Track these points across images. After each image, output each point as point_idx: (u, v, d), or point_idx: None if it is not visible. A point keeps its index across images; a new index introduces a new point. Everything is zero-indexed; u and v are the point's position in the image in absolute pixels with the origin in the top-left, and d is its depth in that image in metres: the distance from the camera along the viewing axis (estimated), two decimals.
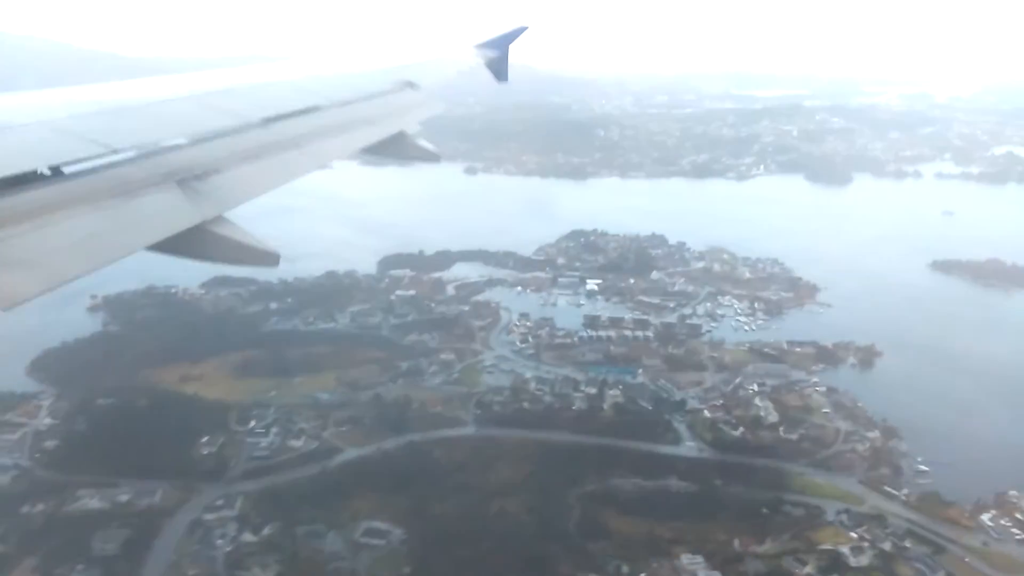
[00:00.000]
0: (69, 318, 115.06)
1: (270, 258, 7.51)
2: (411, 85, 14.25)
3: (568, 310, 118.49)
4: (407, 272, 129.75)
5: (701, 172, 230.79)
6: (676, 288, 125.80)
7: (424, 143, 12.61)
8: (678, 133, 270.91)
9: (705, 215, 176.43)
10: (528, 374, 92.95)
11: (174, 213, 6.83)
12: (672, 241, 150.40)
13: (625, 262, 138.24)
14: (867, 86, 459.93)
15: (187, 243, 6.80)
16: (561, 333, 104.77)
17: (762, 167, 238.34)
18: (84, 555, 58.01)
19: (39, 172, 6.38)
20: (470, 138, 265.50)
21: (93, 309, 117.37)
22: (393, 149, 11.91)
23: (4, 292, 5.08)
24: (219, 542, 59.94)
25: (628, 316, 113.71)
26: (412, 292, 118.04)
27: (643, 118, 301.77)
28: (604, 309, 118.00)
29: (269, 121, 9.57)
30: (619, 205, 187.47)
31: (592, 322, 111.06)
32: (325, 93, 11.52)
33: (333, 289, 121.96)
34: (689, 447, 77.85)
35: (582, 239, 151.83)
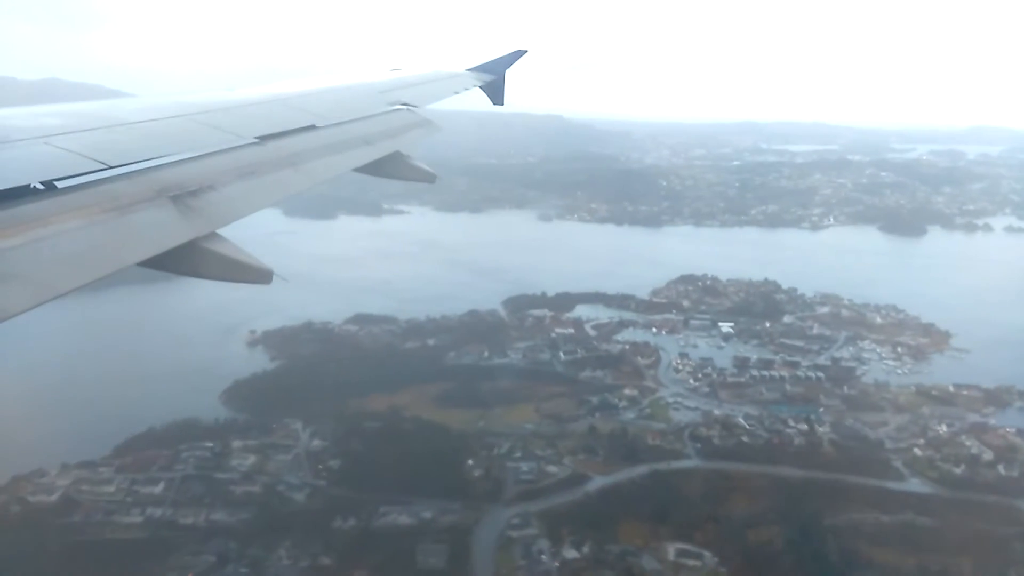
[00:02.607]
0: (234, 353, 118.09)
1: (263, 275, 7.34)
2: (407, 105, 14.20)
3: (710, 351, 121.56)
4: (546, 312, 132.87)
5: (773, 222, 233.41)
6: (814, 332, 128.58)
7: (421, 164, 12.39)
8: (737, 184, 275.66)
9: (796, 263, 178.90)
10: (716, 411, 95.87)
11: (167, 229, 6.79)
12: (784, 287, 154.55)
13: (752, 306, 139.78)
14: (894, 142, 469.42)
15: (180, 259, 6.76)
16: (730, 372, 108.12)
17: (831, 218, 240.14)
18: (411, 569, 60.79)
19: (32, 186, 6.35)
20: (534, 186, 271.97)
21: (252, 344, 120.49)
22: (390, 169, 11.87)
23: None
24: (543, 557, 62.48)
25: (777, 358, 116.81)
26: (571, 330, 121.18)
27: (696, 169, 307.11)
28: (749, 351, 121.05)
29: (264, 139, 9.59)
30: (706, 252, 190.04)
31: (743, 363, 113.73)
32: (320, 112, 11.53)
33: (482, 327, 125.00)
34: (914, 483, 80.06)
35: (698, 283, 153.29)
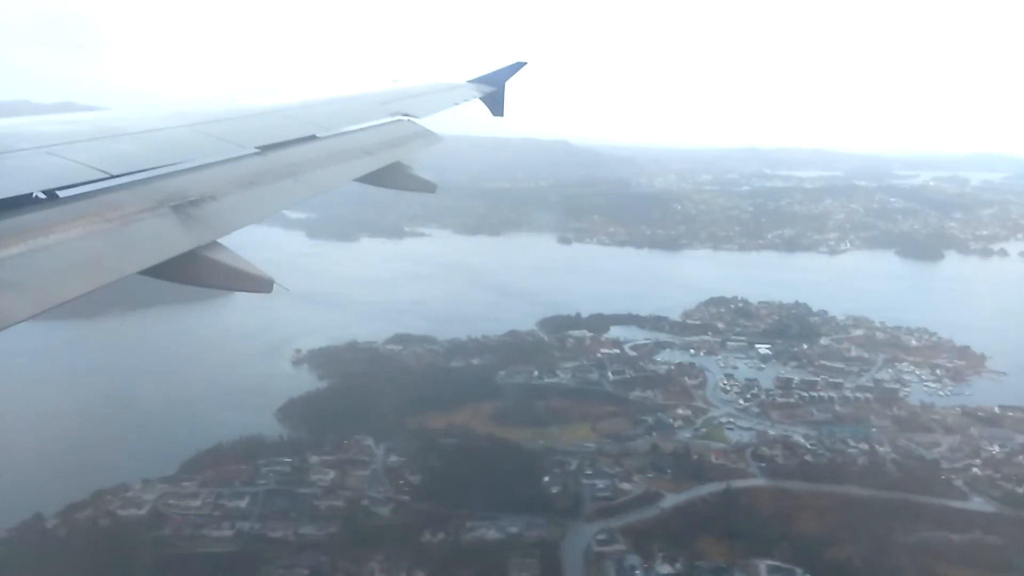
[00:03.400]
0: (281, 371, 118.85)
1: (264, 284, 7.34)
2: (407, 116, 14.19)
3: (751, 372, 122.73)
4: (585, 333, 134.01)
5: (791, 246, 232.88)
6: (852, 354, 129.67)
7: (421, 174, 12.34)
8: (751, 209, 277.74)
9: (821, 286, 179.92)
10: (770, 431, 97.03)
11: (168, 238, 6.80)
12: (814, 309, 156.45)
13: (788, 328, 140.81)
14: (896, 169, 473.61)
15: (181, 268, 6.75)
16: (778, 392, 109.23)
17: (848, 242, 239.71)
18: None
19: (34, 195, 6.36)
20: (550, 209, 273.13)
21: (298, 363, 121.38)
22: (390, 179, 11.86)
23: None
24: (637, 573, 63.30)
25: (820, 379, 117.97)
26: (616, 351, 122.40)
27: (707, 194, 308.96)
28: (789, 372, 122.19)
29: (265, 149, 9.60)
30: (728, 275, 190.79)
31: (786, 384, 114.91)
32: (321, 122, 11.52)
33: (524, 347, 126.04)
34: (977, 502, 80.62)
35: (729, 305, 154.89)
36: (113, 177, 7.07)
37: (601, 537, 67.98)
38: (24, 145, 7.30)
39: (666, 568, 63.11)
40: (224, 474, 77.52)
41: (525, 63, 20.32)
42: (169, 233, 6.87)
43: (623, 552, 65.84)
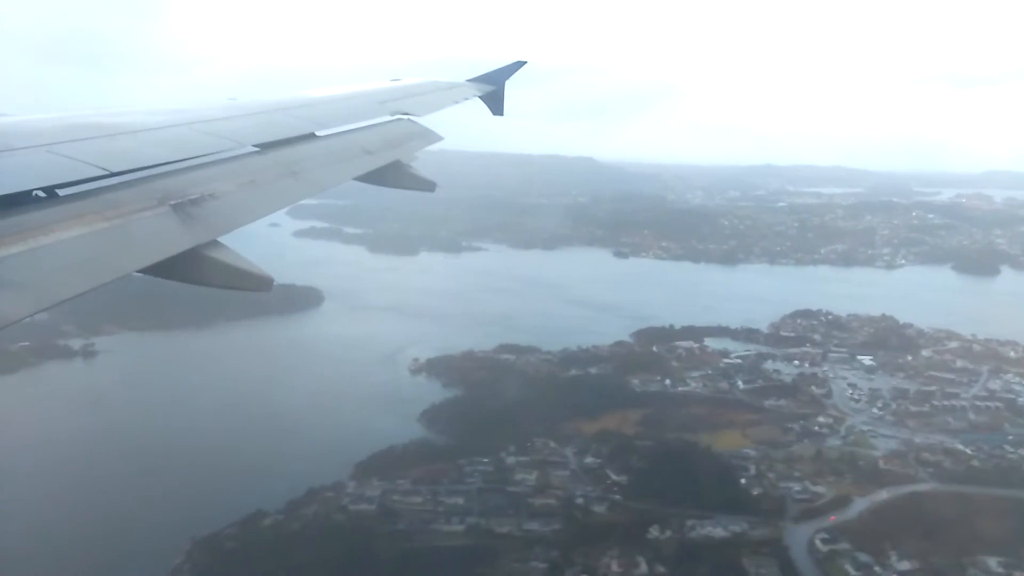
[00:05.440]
0: (402, 380, 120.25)
1: (264, 283, 7.32)
2: (406, 115, 14.15)
3: (860, 382, 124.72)
4: (692, 343, 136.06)
5: (847, 260, 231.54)
6: (958, 365, 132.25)
7: (421, 173, 12.35)
8: (796, 224, 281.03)
9: (890, 299, 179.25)
10: (915, 439, 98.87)
11: (168, 236, 6.76)
12: (900, 322, 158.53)
13: (886, 340, 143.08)
14: (915, 186, 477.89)
15: (181, 267, 6.72)
16: (908, 401, 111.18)
17: (901, 258, 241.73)
18: None
19: (33, 194, 6.32)
20: (600, 224, 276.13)
21: (416, 371, 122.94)
22: (390, 178, 11.83)
23: None
24: (876, 569, 64.98)
25: (935, 389, 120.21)
26: (739, 360, 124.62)
27: (747, 210, 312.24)
28: (900, 383, 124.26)
29: (265, 147, 9.55)
30: (797, 289, 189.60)
31: (903, 394, 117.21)
32: (320, 121, 11.46)
33: (637, 357, 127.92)
34: None
35: (820, 318, 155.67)
36: (113, 175, 6.99)
37: (824, 536, 69.93)
38: (23, 143, 7.20)
39: (904, 564, 64.94)
40: (431, 473, 79.62)
41: (525, 62, 20.33)
42: (169, 231, 6.84)
43: (850, 550, 67.69)
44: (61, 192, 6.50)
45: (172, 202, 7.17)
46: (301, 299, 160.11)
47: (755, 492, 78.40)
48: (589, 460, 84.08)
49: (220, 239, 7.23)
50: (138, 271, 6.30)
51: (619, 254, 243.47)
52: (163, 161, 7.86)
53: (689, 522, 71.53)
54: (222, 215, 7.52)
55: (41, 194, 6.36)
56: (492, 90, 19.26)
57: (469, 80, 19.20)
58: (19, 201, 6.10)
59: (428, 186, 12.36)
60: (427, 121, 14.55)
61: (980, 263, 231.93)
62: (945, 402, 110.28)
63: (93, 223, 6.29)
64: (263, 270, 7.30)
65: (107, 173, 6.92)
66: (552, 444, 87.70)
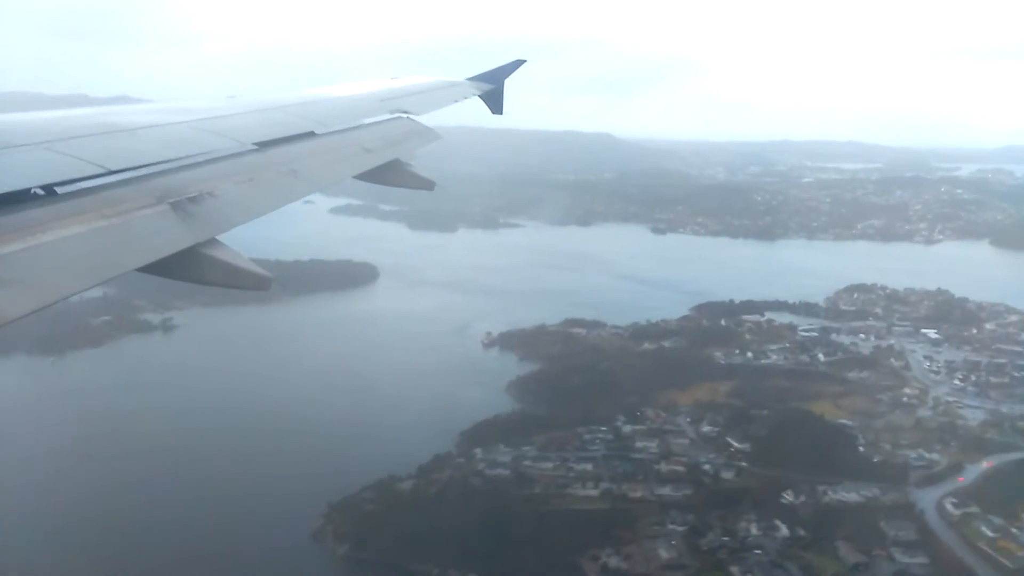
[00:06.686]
0: (478, 353, 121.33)
1: (262, 282, 7.32)
2: (406, 113, 14.12)
3: (932, 354, 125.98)
4: (759, 317, 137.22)
5: (885, 236, 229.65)
6: (1023, 338, 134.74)
7: (420, 171, 12.32)
8: (828, 200, 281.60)
9: (936, 273, 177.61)
10: (1003, 408, 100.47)
11: (167, 234, 6.74)
12: (956, 296, 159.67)
13: (948, 314, 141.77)
14: (933, 161, 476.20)
15: (180, 265, 6.72)
16: (988, 372, 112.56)
17: (938, 233, 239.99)
18: (884, 539, 66.55)
19: (32, 191, 6.31)
20: (631, 200, 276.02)
21: (489, 345, 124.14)
22: (389, 177, 11.81)
23: None
24: (1014, 531, 66.99)
25: (1007, 361, 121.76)
26: (815, 334, 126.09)
27: (776, 185, 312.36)
28: (970, 355, 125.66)
29: (264, 145, 9.51)
30: (841, 263, 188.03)
31: (975, 366, 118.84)
32: (320, 119, 11.48)
33: (708, 330, 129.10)
34: None
35: (877, 292, 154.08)
36: (112, 173, 6.98)
37: (953, 500, 71.72)
38: (22, 140, 7.20)
39: None
40: (553, 441, 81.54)
41: (524, 61, 20.34)
42: (168, 230, 6.83)
43: (979, 514, 69.48)
44: (60, 190, 6.51)
45: (171, 200, 7.14)
46: (358, 275, 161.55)
47: (875, 459, 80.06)
48: (706, 429, 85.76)
49: (218, 237, 7.18)
50: (137, 269, 6.33)
51: (656, 230, 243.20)
52: (162, 159, 7.88)
53: (820, 487, 73.19)
54: (221, 213, 7.50)
55: (40, 192, 6.36)
56: (491, 89, 19.25)
57: (468, 79, 19.28)
58: (18, 199, 6.11)
59: (427, 185, 12.39)
60: (429, 118, 14.59)
61: (1019, 238, 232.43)
62: (1019, 374, 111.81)
63: (92, 221, 6.28)
64: (261, 270, 7.25)
65: (106, 171, 6.92)
66: (663, 413, 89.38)
